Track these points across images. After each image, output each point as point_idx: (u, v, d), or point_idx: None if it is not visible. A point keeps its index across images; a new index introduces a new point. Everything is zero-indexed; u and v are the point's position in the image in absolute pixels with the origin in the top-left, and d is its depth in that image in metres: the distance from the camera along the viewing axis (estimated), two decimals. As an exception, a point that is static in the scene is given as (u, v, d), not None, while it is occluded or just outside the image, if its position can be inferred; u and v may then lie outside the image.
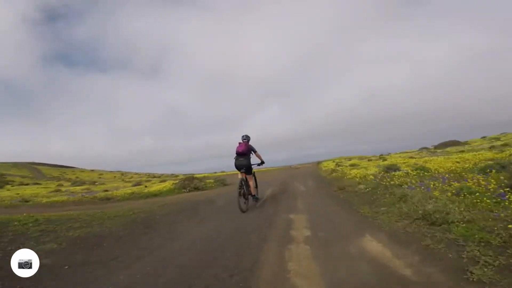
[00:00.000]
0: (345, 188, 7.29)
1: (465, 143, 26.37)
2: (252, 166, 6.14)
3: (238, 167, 5.89)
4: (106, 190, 17.49)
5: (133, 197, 12.76)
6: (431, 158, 13.81)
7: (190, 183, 14.04)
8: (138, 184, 22.51)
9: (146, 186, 18.50)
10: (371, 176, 7.58)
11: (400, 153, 32.83)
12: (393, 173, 7.48)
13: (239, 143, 5.98)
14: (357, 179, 7.95)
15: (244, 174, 5.92)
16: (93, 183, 36.00)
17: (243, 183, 5.75)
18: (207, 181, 15.94)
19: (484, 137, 32.83)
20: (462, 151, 16.50)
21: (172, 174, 57.34)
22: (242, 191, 5.62)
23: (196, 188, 13.60)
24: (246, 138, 6.09)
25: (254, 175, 6.30)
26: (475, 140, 30.88)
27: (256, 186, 6.65)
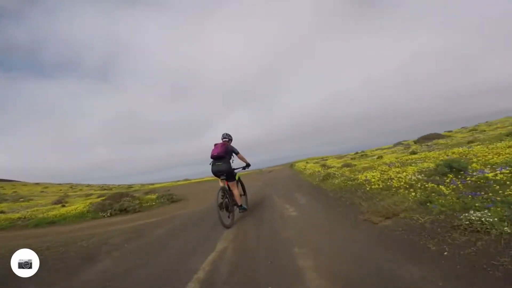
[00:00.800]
0: (399, 214, 3.28)
1: (448, 135, 24.64)
2: (236, 170, 5.22)
3: (216, 173, 4.85)
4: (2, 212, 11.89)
5: (16, 225, 8.25)
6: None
7: (114, 203, 9.16)
8: (58, 201, 16.61)
9: (63, 205, 13.02)
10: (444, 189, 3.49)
11: (376, 149, 31.14)
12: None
13: (215, 144, 5.00)
14: (402, 192, 4.00)
15: (225, 182, 4.89)
16: (18, 199, 28.43)
17: (225, 192, 4.72)
18: (147, 197, 11.11)
19: (464, 127, 32.53)
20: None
21: (103, 186, 50.25)
22: (224, 202, 4.59)
23: (124, 210, 8.80)
24: (227, 137, 5.19)
25: (239, 181, 5.48)
26: (460, 130, 30.08)
27: (244, 193, 5.81)
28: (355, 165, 11.99)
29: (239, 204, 5.03)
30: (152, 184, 47.47)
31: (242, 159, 5.27)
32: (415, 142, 25.03)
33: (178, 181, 41.66)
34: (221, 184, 4.89)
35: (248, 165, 5.40)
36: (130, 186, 44.14)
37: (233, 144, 5.20)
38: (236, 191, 5.00)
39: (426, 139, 24.18)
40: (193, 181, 34.97)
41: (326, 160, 30.17)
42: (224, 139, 5.14)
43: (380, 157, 15.94)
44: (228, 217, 4.57)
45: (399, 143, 31.64)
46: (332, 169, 11.03)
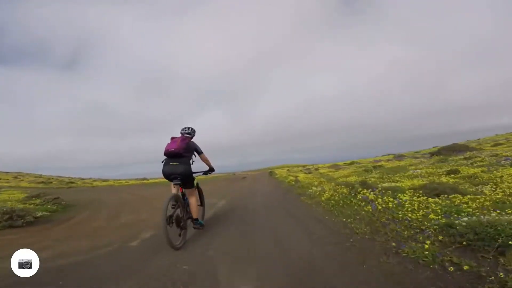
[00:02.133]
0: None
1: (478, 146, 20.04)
2: (195, 174, 4.05)
3: (168, 175, 3.72)
4: None
5: None
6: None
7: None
8: None
9: None
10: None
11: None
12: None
13: (172, 138, 3.91)
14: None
15: (180, 188, 3.79)
16: None
17: (177, 201, 3.59)
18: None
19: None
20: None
21: (49, 178, 42.40)
22: (175, 216, 3.42)
23: None
24: (189, 132, 4.10)
25: (198, 188, 4.40)
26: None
27: (202, 204, 4.64)
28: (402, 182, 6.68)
29: (195, 218, 3.86)
30: (105, 180, 41.29)
31: (206, 161, 4.26)
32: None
33: (130, 180, 35.13)
34: (173, 190, 3.79)
35: (211, 169, 4.39)
36: (71, 181, 36.67)
37: (196, 142, 4.16)
38: (194, 201, 3.90)
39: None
40: (150, 181, 29.53)
41: (317, 170, 25.34)
42: (185, 134, 4.04)
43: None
44: (179, 235, 3.43)
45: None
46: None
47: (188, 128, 4.14)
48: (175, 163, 3.68)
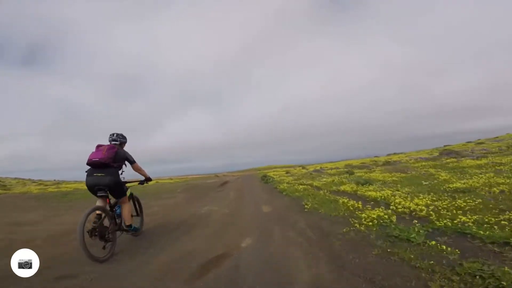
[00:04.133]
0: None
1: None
2: (130, 184, 4.02)
3: (92, 187, 3.40)
4: None
5: None
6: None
7: None
8: None
9: None
10: None
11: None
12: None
13: (98, 146, 3.56)
14: None
15: (107, 200, 3.50)
16: None
17: (102, 214, 3.30)
18: None
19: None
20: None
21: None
22: (98, 228, 3.15)
23: None
24: (117, 139, 3.79)
25: (133, 198, 4.30)
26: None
27: (139, 214, 4.48)
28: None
29: (128, 225, 3.70)
30: (59, 182, 34.93)
31: (139, 171, 3.96)
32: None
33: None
34: (98, 203, 3.41)
35: (148, 179, 4.13)
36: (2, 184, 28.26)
37: (126, 148, 3.89)
38: (126, 208, 3.73)
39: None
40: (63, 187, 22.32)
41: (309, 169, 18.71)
42: (113, 142, 3.72)
43: None
44: (104, 247, 3.21)
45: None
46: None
47: (117, 134, 3.79)
48: (100, 174, 3.37)
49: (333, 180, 10.44)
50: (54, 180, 43.92)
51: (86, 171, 3.41)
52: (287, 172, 21.52)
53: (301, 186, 9.31)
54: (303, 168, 28.15)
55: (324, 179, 11.34)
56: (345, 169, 16.62)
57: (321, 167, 22.05)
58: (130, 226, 3.73)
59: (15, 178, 45.66)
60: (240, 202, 7.85)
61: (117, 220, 3.62)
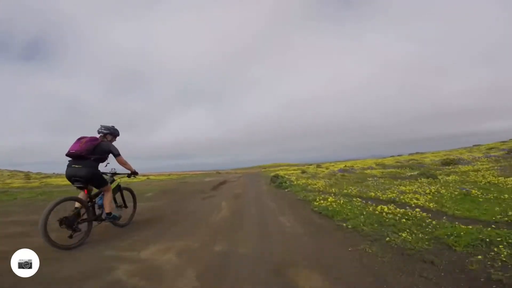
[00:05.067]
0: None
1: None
2: (117, 175, 4.08)
3: (69, 177, 3.42)
4: None
5: None
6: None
7: None
8: None
9: None
10: None
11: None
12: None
13: (79, 138, 3.52)
14: None
15: (85, 191, 3.54)
16: None
17: (78, 206, 3.38)
18: None
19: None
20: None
21: None
22: (66, 217, 3.14)
23: None
24: (105, 131, 3.82)
25: (120, 189, 4.31)
26: None
27: (126, 206, 4.38)
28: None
29: (107, 212, 3.69)
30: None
31: (123, 164, 3.86)
32: None
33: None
34: (80, 195, 3.53)
35: (133, 173, 4.10)
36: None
37: (116, 143, 3.89)
38: (107, 197, 3.73)
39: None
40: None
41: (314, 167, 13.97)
42: (100, 134, 3.77)
43: None
44: (70, 236, 3.15)
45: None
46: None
47: (106, 127, 3.83)
48: (77, 166, 3.39)
49: (433, 193, 5.58)
50: (53, 173, 41.94)
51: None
52: (303, 172, 16.68)
53: (362, 206, 4.53)
54: (319, 166, 23.31)
55: (398, 188, 6.48)
56: (404, 170, 11.80)
57: (349, 166, 17.09)
58: (109, 214, 3.70)
59: (13, 171, 43.99)
60: (235, 234, 3.57)
61: (97, 210, 3.70)
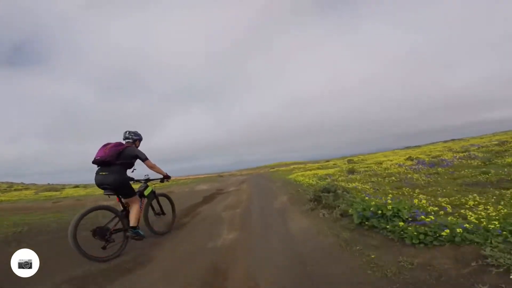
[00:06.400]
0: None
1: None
2: (149, 181, 4.02)
3: (98, 185, 3.45)
4: None
5: None
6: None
7: None
8: None
9: None
10: None
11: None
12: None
13: (104, 145, 3.49)
14: None
15: (117, 198, 3.58)
16: None
17: (111, 215, 3.40)
18: None
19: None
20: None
21: None
22: (99, 227, 3.17)
23: None
24: (130, 137, 3.82)
25: (156, 196, 4.18)
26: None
27: (164, 213, 4.34)
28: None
29: (131, 226, 3.45)
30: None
31: (152, 168, 3.76)
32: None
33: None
34: (113, 204, 3.58)
35: (166, 177, 4.07)
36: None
37: (141, 147, 3.92)
38: (134, 210, 3.54)
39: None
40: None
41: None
42: (127, 140, 3.79)
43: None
44: (104, 247, 3.12)
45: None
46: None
47: (129, 132, 3.83)
48: (104, 173, 3.40)
49: None
50: (48, 184, 40.24)
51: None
52: (351, 172, 11.57)
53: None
54: (350, 161, 18.49)
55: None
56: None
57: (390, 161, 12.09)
58: (134, 228, 3.47)
59: (5, 182, 40.67)
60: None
61: (124, 220, 3.52)
